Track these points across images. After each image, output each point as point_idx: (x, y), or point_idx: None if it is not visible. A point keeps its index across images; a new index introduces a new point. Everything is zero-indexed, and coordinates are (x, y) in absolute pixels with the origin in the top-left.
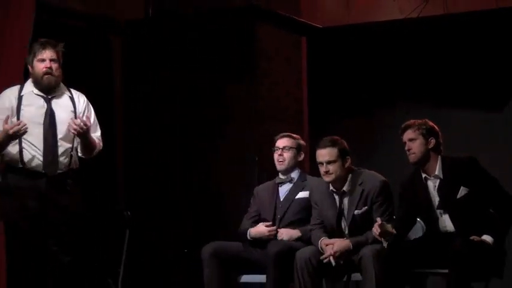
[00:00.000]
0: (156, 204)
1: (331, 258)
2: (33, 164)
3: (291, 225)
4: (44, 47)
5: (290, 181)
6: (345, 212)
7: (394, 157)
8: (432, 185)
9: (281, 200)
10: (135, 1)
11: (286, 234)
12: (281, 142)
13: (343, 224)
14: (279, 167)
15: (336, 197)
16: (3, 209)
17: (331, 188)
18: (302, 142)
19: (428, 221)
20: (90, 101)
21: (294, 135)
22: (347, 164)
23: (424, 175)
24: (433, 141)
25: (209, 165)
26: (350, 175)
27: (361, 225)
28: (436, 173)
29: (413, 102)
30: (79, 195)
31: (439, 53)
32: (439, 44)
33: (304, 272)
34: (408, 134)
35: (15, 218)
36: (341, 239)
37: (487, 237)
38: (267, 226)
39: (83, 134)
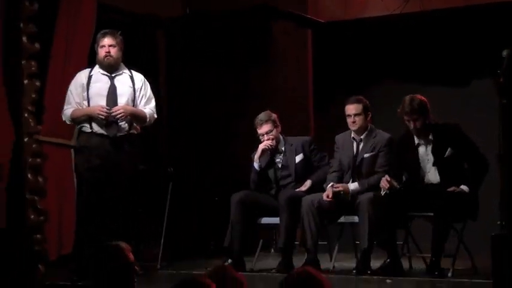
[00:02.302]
0: (194, 162)
1: (326, 196)
2: (99, 127)
3: (296, 183)
4: (103, 36)
5: (280, 152)
6: (358, 155)
7: (385, 126)
8: (424, 147)
9: (279, 167)
10: (175, 1)
11: (305, 184)
12: (264, 129)
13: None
14: (271, 147)
15: (354, 144)
16: (76, 164)
17: (352, 135)
18: (274, 116)
19: (415, 175)
20: None
21: (264, 117)
22: (368, 118)
23: (417, 141)
24: (429, 115)
25: (235, 133)
26: (368, 128)
27: (366, 167)
28: (430, 137)
29: (398, 82)
30: (136, 155)
31: (417, 42)
32: (417, 34)
33: (309, 214)
34: (413, 117)
35: (83, 171)
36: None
37: (464, 187)
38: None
39: (126, 116)
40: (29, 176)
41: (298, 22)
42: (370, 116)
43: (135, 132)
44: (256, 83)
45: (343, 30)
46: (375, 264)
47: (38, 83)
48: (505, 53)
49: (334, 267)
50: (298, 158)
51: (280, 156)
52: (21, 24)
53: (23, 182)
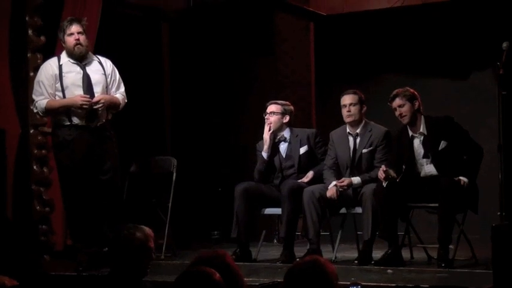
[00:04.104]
0: (197, 153)
1: (334, 192)
2: (79, 119)
3: (299, 174)
4: (70, 23)
5: (284, 140)
6: (357, 151)
7: (383, 117)
8: (418, 140)
9: (283, 157)
10: None
11: (307, 176)
12: (271, 108)
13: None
14: (270, 132)
15: (350, 139)
16: (58, 159)
17: (348, 130)
18: (289, 107)
19: (412, 168)
20: (144, 72)
21: (280, 102)
22: (363, 110)
23: (411, 133)
24: (417, 104)
25: (238, 126)
26: (363, 121)
27: (365, 162)
28: (421, 130)
29: (397, 74)
30: (116, 142)
31: (417, 35)
32: (418, 27)
33: (310, 204)
34: (397, 102)
35: (67, 165)
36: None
37: (463, 178)
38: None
39: (106, 105)
40: (35, 167)
41: (299, 15)
42: (365, 109)
43: (110, 118)
44: (259, 76)
45: (345, 23)
46: (376, 254)
47: None
48: (504, 45)
49: (336, 257)
50: (303, 149)
51: (285, 144)
52: (27, 17)
53: (28, 173)
